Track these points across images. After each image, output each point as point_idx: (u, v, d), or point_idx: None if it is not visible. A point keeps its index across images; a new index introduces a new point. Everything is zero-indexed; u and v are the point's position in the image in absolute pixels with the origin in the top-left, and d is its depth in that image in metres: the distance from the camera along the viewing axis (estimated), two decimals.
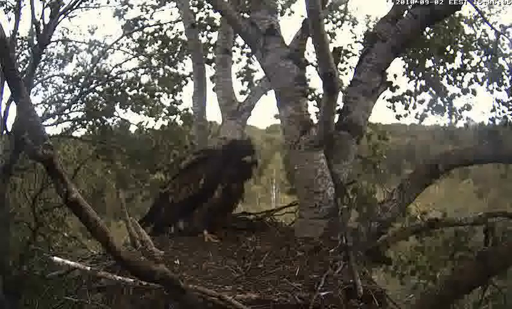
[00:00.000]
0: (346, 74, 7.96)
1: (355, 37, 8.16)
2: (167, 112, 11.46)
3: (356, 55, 7.75)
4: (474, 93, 7.21)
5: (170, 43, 10.78)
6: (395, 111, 7.77)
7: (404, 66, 6.92)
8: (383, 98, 7.37)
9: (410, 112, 7.76)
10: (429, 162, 4.72)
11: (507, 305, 5.36)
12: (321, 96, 6.64)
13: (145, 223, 4.63)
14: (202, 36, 8.77)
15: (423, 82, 7.13)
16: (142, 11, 10.72)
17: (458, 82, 7.14)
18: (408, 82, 7.17)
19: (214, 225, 4.66)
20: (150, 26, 11.02)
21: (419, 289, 6.24)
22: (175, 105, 11.29)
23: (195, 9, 8.76)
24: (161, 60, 11.40)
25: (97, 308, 3.94)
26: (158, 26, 10.92)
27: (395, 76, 6.39)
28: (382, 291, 3.92)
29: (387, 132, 8.57)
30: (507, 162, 5.53)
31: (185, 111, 11.03)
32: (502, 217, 4.89)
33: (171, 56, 11.10)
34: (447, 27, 6.57)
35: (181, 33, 10.63)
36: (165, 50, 11.02)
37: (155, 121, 11.49)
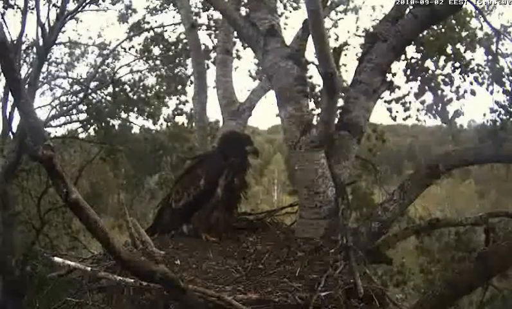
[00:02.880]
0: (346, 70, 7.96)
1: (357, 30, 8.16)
2: (170, 114, 11.53)
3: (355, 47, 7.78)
4: (473, 93, 7.23)
5: (173, 47, 10.83)
6: (391, 113, 7.82)
7: (404, 69, 6.93)
8: (382, 99, 7.46)
9: (410, 115, 7.83)
10: (430, 162, 4.71)
11: (507, 306, 5.37)
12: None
13: (151, 233, 4.61)
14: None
15: (420, 83, 7.15)
16: (146, 12, 10.81)
17: (454, 86, 7.15)
18: (406, 82, 7.19)
19: (219, 224, 4.65)
20: (153, 29, 11.09)
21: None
22: (180, 106, 11.36)
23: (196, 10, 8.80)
24: (163, 62, 11.47)
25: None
26: (161, 29, 11.00)
27: (394, 75, 6.41)
28: (382, 291, 3.92)
29: (385, 134, 8.66)
30: (508, 162, 5.52)
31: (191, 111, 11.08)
32: (503, 217, 4.89)
33: (175, 59, 11.15)
34: (453, 24, 6.57)
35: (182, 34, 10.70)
36: (169, 53, 11.07)
37: (161, 121, 11.59)
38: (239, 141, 4.70)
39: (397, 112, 7.92)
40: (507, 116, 6.72)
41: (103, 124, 11.93)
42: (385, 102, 7.64)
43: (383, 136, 8.52)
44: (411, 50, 6.65)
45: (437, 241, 7.00)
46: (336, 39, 8.46)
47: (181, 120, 11.78)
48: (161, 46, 11.14)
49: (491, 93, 6.86)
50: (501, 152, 4.57)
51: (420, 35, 5.86)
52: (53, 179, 2.83)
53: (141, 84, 12.11)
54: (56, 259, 3.68)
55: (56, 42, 11.81)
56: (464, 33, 6.71)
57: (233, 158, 4.57)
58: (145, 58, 11.91)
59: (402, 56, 6.43)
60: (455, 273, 4.33)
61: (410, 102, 7.73)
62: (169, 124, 11.76)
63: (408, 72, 6.58)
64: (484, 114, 7.06)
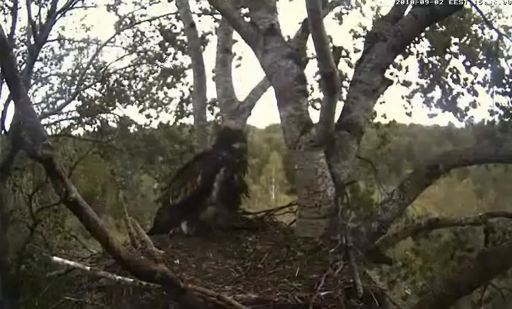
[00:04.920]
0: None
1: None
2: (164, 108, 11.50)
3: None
4: (476, 94, 7.27)
5: (169, 34, 10.78)
6: (406, 109, 7.81)
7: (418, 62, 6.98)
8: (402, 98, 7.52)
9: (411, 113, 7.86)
10: (430, 162, 4.71)
11: (506, 306, 5.37)
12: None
13: (151, 232, 4.61)
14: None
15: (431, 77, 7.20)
16: (135, 6, 10.80)
17: (462, 80, 7.18)
18: (420, 77, 7.24)
19: (217, 220, 4.64)
20: (144, 21, 11.08)
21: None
22: (165, 100, 11.34)
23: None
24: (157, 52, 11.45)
25: (97, 308, 3.93)
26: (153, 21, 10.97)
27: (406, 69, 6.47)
28: (382, 291, 3.92)
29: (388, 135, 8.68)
30: (507, 162, 5.52)
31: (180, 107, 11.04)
32: (502, 217, 4.89)
33: (168, 51, 11.12)
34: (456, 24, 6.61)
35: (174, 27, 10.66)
36: (163, 40, 11.00)
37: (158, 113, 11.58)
38: (228, 138, 4.72)
39: (412, 107, 7.96)
40: (508, 118, 6.74)
41: (95, 120, 11.93)
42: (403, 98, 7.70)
43: (386, 138, 8.53)
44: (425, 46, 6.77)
45: (435, 242, 6.99)
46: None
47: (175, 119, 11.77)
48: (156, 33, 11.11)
49: (492, 95, 6.89)
50: (501, 152, 4.58)
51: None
52: (53, 178, 2.82)
53: (133, 76, 12.09)
54: (56, 258, 3.66)
55: (48, 39, 11.77)
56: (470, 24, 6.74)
57: (226, 155, 4.58)
58: (135, 52, 11.90)
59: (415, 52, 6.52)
60: (456, 273, 4.33)
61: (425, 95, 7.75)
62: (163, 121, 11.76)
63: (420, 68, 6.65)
64: (482, 121, 7.11)
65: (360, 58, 5.02)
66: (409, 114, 8.03)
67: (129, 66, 12.19)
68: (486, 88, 7.13)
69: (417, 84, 7.49)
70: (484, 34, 7.02)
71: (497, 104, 7.12)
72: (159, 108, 11.63)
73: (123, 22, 11.56)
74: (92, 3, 12.03)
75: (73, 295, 4.05)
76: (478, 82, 7.15)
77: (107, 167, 12.84)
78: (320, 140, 4.51)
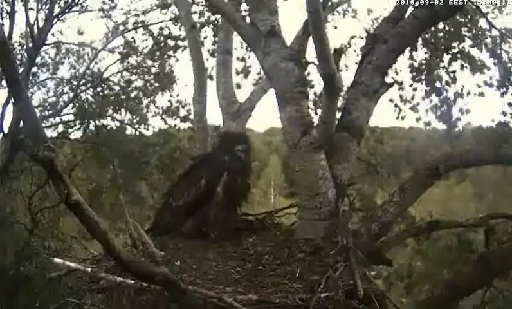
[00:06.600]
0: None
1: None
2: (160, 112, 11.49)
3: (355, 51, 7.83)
4: (481, 94, 7.29)
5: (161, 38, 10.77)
6: (399, 114, 7.84)
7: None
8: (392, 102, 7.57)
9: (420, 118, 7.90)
10: (430, 164, 4.71)
11: (507, 307, 5.36)
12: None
13: (152, 233, 4.61)
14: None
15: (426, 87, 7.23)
16: (127, 14, 10.81)
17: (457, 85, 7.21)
18: (410, 85, 7.26)
19: (218, 223, 4.65)
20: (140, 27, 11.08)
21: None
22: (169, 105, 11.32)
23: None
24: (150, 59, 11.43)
25: None
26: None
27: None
28: (382, 292, 3.91)
29: (384, 137, 8.73)
30: (507, 164, 5.53)
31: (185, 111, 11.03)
32: (502, 219, 4.88)
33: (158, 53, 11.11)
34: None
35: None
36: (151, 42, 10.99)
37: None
38: (231, 141, 4.72)
39: (404, 112, 8.01)
40: None
41: (90, 124, 11.90)
42: (390, 101, 7.74)
43: (381, 139, 8.54)
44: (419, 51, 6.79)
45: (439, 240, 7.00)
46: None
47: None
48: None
49: (502, 94, 6.89)
50: (501, 153, 4.58)
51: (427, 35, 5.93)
52: (54, 180, 2.82)
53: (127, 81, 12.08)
54: (57, 259, 3.67)
55: (45, 43, 11.76)
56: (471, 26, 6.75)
57: (228, 158, 4.58)
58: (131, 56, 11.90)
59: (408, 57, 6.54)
60: (456, 274, 4.33)
61: (418, 103, 7.80)
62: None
63: (414, 74, 6.66)
64: (493, 120, 7.11)
65: (361, 60, 5.03)
66: (402, 118, 8.11)
67: (124, 70, 12.19)
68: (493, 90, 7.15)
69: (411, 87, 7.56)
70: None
71: (510, 104, 7.13)
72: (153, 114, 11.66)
73: (119, 28, 11.57)
74: (86, 7, 12.00)
75: (73, 296, 4.03)
76: (485, 83, 7.18)
77: (106, 171, 12.80)
78: (320, 142, 4.51)
